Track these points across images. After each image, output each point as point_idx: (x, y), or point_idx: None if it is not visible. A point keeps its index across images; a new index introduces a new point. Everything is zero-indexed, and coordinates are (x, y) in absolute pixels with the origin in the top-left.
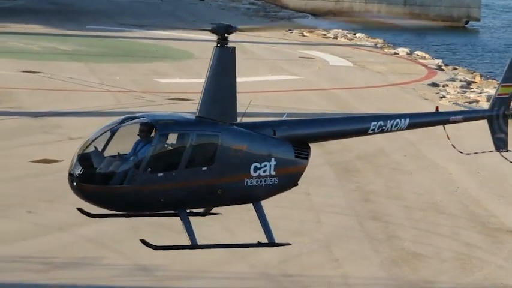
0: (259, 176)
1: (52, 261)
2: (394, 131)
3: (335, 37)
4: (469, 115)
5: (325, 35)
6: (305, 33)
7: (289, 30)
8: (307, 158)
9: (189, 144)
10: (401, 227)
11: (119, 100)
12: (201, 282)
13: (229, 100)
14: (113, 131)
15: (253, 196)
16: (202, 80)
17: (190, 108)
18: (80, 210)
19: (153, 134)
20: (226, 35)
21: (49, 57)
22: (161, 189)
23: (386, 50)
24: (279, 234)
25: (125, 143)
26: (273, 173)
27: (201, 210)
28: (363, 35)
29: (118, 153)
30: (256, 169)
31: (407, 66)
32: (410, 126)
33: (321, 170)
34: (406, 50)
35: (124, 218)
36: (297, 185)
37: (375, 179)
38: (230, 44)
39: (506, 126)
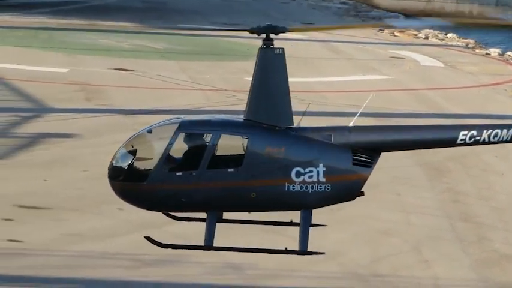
0: (303, 182)
1: (142, 258)
2: (493, 142)
3: (426, 37)
4: None
5: (416, 35)
6: (396, 33)
7: (380, 29)
8: (369, 167)
9: (212, 145)
10: (492, 228)
11: (209, 98)
12: (290, 281)
13: (279, 103)
14: (149, 131)
15: (298, 202)
16: (293, 79)
17: None
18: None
19: (173, 134)
20: (271, 35)
21: (140, 55)
22: (182, 189)
23: (477, 51)
24: (369, 234)
25: (153, 142)
26: (322, 179)
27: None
28: (454, 35)
29: (145, 152)
30: (299, 174)
31: (499, 67)
32: None
33: (412, 170)
34: (498, 50)
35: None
36: (362, 194)
37: (466, 180)
38: (288, 44)
39: None
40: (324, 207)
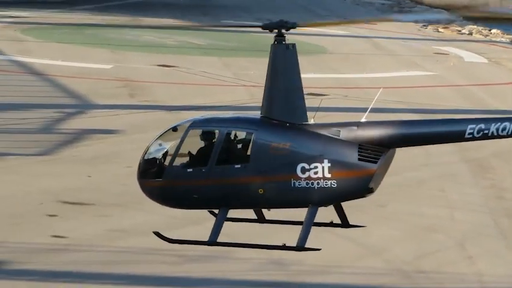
0: (309, 178)
1: (186, 254)
2: (503, 136)
3: (470, 33)
4: None
5: (459, 30)
6: (440, 29)
7: (424, 25)
8: (375, 162)
9: (220, 141)
10: None
11: (252, 95)
12: (334, 278)
13: (291, 99)
14: (172, 129)
15: (305, 199)
16: (337, 75)
17: (324, 104)
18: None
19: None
20: (283, 31)
21: (184, 51)
22: (193, 185)
23: None
24: (414, 230)
25: (171, 141)
26: (327, 175)
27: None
28: (499, 31)
29: (164, 149)
30: (304, 170)
31: None
32: None
33: (457, 167)
34: None
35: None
36: (372, 191)
37: (510, 177)
38: (298, 40)
39: None
40: (368, 203)
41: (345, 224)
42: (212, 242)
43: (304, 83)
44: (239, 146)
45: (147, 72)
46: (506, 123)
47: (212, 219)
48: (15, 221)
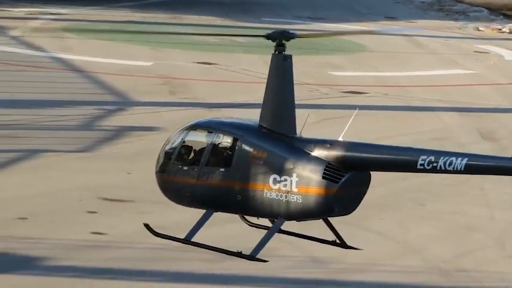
0: (279, 190)
1: None
2: (449, 171)
3: (510, 32)
4: None
5: (500, 29)
6: (480, 28)
7: (464, 24)
8: (336, 182)
9: (211, 143)
10: None
11: None
12: (373, 276)
13: (282, 110)
14: (179, 129)
15: (274, 211)
16: (377, 73)
17: (364, 102)
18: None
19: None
20: (283, 41)
21: (224, 49)
22: (186, 183)
23: None
24: (453, 229)
25: (178, 140)
26: (294, 189)
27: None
28: None
29: (171, 147)
30: (275, 182)
31: None
32: (469, 169)
33: None
34: None
35: None
36: (333, 212)
37: None
38: (297, 51)
39: None
40: (407, 201)
41: (342, 244)
42: (186, 240)
43: (344, 81)
44: (226, 150)
45: (187, 69)
46: (453, 159)
47: (241, 224)
48: (55, 218)
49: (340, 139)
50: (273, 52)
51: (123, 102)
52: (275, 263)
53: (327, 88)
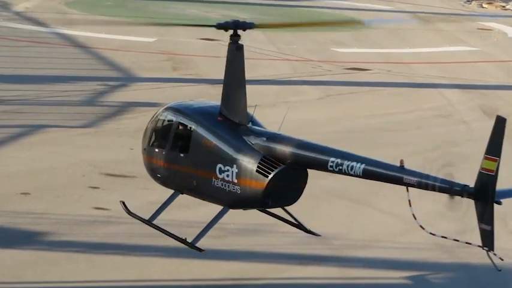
0: (223, 180)
1: (228, 228)
2: (351, 175)
3: None
4: (441, 185)
5: (504, 6)
6: (484, 5)
7: (468, 1)
8: (266, 176)
9: (175, 128)
10: None
11: (295, 69)
12: (376, 252)
13: (234, 99)
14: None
15: (218, 199)
16: (380, 50)
17: (368, 79)
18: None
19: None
20: (238, 31)
21: None
22: (157, 165)
23: None
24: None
25: (153, 123)
26: (235, 180)
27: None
28: None
29: (148, 129)
30: (221, 171)
31: None
32: (366, 175)
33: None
34: None
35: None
36: (267, 205)
37: None
38: (248, 40)
39: (491, 215)
40: None
41: (304, 229)
42: (147, 221)
43: (348, 58)
44: (184, 136)
45: (190, 45)
46: (354, 164)
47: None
48: (58, 193)
49: (279, 132)
50: (229, 42)
51: (126, 78)
52: (279, 239)
53: (330, 65)
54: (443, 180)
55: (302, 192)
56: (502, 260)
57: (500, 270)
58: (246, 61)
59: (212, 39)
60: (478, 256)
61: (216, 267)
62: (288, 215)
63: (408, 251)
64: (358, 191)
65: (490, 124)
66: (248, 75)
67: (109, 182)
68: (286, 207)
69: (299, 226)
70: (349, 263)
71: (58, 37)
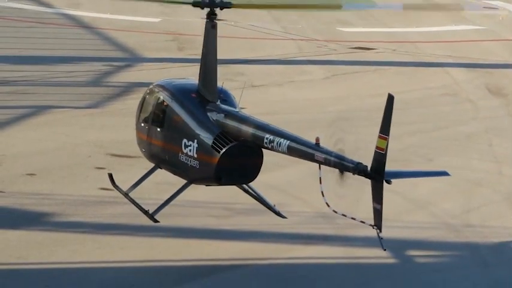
0: (187, 154)
1: (233, 208)
2: (279, 151)
3: None
4: (341, 162)
5: None
6: None
7: None
8: (218, 152)
9: (156, 104)
10: None
11: (301, 48)
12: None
13: (206, 76)
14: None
15: (183, 174)
16: (386, 29)
17: (373, 58)
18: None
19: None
20: (215, 9)
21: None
22: (142, 140)
23: None
24: (461, 184)
25: (143, 100)
26: (195, 155)
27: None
28: None
29: (139, 106)
30: (185, 146)
31: None
32: (290, 151)
33: (504, 121)
34: None
35: (306, 166)
36: (220, 181)
37: None
38: (224, 19)
39: (380, 194)
40: (416, 157)
41: (274, 211)
42: (124, 193)
43: (353, 37)
44: (162, 112)
45: (195, 25)
46: (281, 140)
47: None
48: (64, 174)
49: (237, 110)
50: (206, 20)
51: (132, 59)
52: (284, 219)
53: (335, 44)
54: (341, 157)
55: (259, 171)
56: (385, 250)
57: (385, 250)
58: (252, 41)
59: (218, 19)
60: (484, 235)
61: (221, 247)
62: (255, 194)
63: (413, 230)
64: None
65: (495, 103)
66: (254, 54)
67: (115, 162)
68: (252, 187)
69: (269, 208)
70: (354, 242)
71: (63, 18)
